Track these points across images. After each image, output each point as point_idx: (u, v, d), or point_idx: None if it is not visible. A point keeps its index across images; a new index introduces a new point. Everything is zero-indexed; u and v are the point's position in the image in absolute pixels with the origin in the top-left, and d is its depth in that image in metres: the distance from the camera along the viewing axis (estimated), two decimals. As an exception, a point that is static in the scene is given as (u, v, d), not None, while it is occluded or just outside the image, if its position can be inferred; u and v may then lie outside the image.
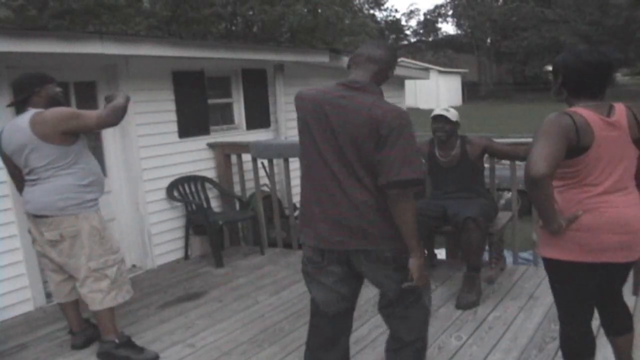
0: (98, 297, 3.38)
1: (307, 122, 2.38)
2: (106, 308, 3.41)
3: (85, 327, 3.69)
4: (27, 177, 3.33)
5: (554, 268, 2.47)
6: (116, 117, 3.22)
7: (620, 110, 2.34)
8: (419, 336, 2.55)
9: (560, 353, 3.18)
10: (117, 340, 3.45)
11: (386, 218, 2.29)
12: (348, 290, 2.54)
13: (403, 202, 2.24)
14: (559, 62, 2.40)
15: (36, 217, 3.32)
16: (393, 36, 53.33)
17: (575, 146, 2.24)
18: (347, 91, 2.31)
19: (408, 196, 2.24)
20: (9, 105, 3.55)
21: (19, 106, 3.39)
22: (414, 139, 2.26)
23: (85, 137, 3.41)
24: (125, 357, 3.42)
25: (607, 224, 2.29)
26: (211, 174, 5.84)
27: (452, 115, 4.15)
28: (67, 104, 3.45)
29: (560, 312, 2.57)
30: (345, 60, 6.09)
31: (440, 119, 4.15)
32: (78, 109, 4.68)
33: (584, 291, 2.45)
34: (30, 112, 3.25)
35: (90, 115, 3.24)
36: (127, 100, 3.32)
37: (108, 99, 3.36)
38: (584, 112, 2.27)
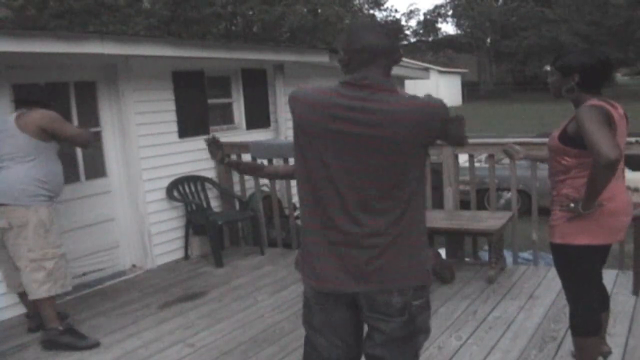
0: (33, 286, 3.51)
1: (308, 132, 1.93)
2: (43, 298, 3.52)
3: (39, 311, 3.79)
4: None
5: (580, 253, 2.60)
6: (87, 141, 3.78)
7: (620, 106, 2.57)
8: None
9: (560, 352, 3.21)
10: (60, 328, 3.57)
11: (405, 248, 1.94)
12: (356, 339, 2.13)
13: None
14: (574, 62, 2.54)
15: None
16: (393, 36, 53.22)
17: None
18: (363, 92, 1.90)
19: None
20: (17, 101, 3.79)
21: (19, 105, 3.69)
22: None
23: (57, 144, 3.64)
24: (69, 344, 3.55)
25: (624, 207, 2.60)
26: (211, 174, 5.84)
27: None
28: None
29: (579, 295, 2.68)
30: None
31: None
32: (78, 109, 4.79)
33: (599, 271, 2.75)
34: (22, 111, 3.54)
35: (71, 127, 3.72)
36: (93, 138, 3.94)
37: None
38: (605, 105, 2.44)
